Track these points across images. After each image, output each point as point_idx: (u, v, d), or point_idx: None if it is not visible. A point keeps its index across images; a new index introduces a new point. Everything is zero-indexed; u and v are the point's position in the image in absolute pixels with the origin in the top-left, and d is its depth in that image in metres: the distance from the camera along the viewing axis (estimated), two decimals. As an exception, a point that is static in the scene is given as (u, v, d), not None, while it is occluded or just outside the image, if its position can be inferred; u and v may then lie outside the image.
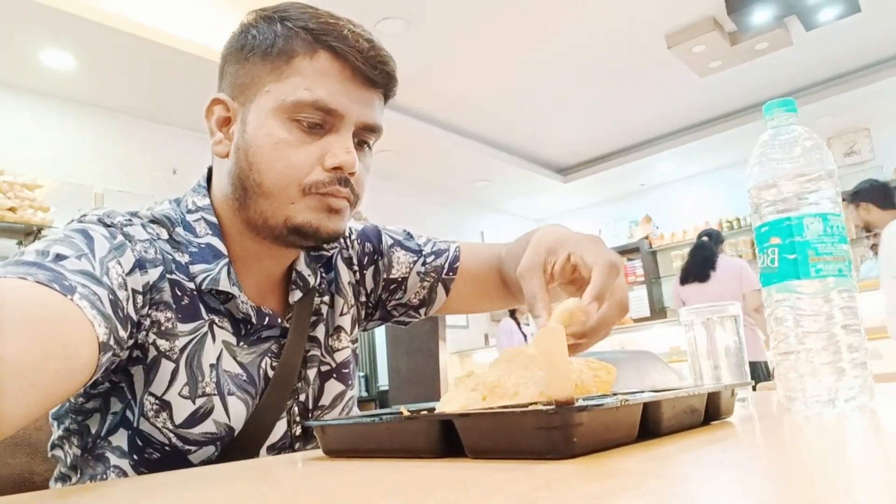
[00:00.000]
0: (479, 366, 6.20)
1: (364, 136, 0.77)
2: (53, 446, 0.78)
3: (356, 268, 0.94)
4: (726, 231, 6.60)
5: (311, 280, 0.85)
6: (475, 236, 7.22)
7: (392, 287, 0.96)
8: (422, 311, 0.98)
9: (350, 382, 0.90)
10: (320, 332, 0.87)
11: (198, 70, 3.88)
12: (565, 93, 5.06)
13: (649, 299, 7.00)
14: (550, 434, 0.39)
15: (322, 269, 0.89)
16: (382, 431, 0.51)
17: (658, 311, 6.93)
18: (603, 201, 7.69)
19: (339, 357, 0.88)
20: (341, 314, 0.90)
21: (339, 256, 0.93)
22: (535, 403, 0.48)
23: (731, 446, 0.44)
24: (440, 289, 0.96)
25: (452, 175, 6.31)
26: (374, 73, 0.74)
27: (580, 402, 0.43)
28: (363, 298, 0.95)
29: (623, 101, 5.34)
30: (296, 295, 0.83)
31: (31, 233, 3.26)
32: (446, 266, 0.95)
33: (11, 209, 3.14)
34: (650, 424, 0.47)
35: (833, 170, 0.61)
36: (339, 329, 0.89)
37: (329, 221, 0.74)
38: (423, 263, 0.96)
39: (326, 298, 0.89)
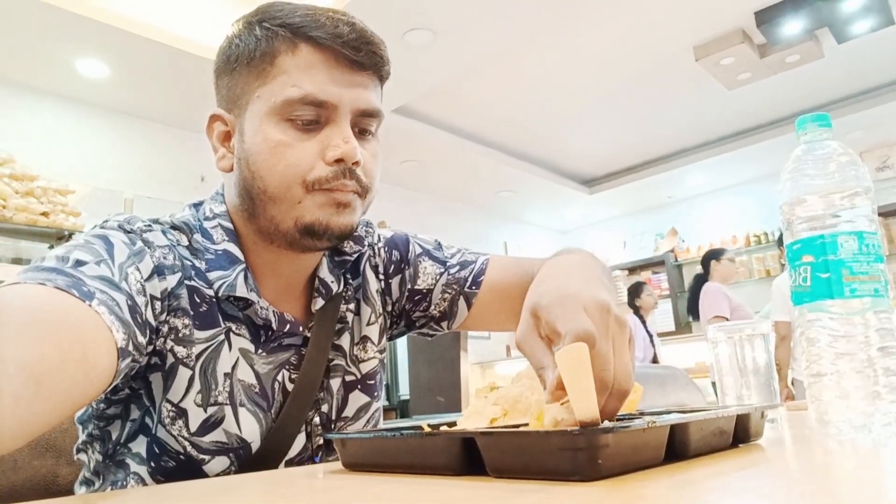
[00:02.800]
0: (501, 377, 6.16)
1: (363, 123, 0.75)
2: (78, 450, 0.79)
3: (382, 276, 0.92)
4: (753, 246, 6.50)
5: (335, 287, 0.83)
6: (498, 247, 7.20)
7: (417, 298, 0.93)
8: (444, 324, 0.95)
9: (376, 394, 0.88)
10: (345, 341, 0.85)
11: (227, 79, 3.94)
12: (592, 104, 5.03)
13: (674, 313, 6.90)
14: (575, 455, 0.38)
15: (349, 276, 0.88)
16: (403, 447, 0.51)
17: (683, 325, 6.82)
18: (628, 213, 7.62)
19: (365, 368, 0.87)
20: (368, 323, 0.88)
21: (367, 264, 0.91)
22: (559, 423, 0.47)
23: (763, 473, 0.42)
24: (461, 302, 0.93)
25: (477, 185, 6.30)
26: (360, 55, 0.72)
27: (606, 423, 0.41)
28: (389, 307, 0.93)
29: (650, 113, 5.30)
30: (318, 303, 0.81)
31: (62, 237, 3.31)
32: (470, 279, 0.92)
33: (44, 213, 3.20)
34: (677, 446, 0.45)
35: (869, 186, 0.59)
36: (365, 339, 0.88)
37: (339, 217, 0.72)
38: (448, 274, 0.93)
39: (352, 306, 0.87)
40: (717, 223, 6.92)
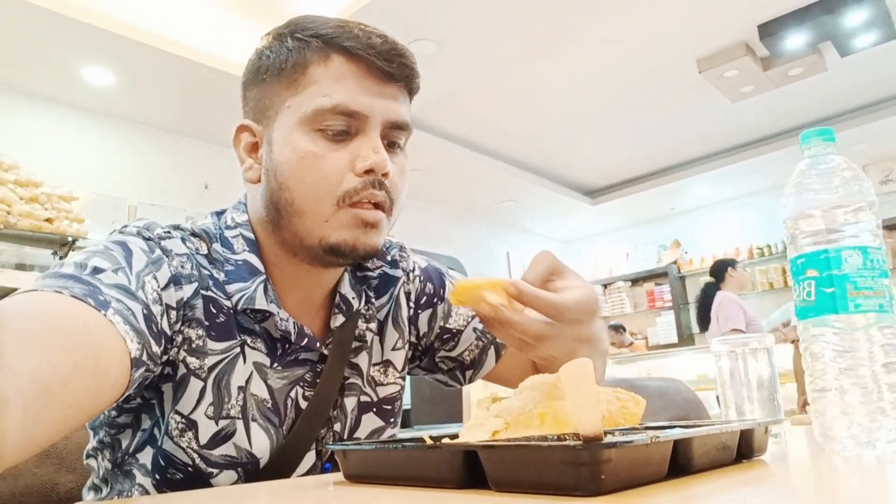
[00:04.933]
0: (503, 388, 6.12)
1: (392, 135, 0.74)
2: (88, 455, 0.78)
3: (412, 305, 0.90)
4: (757, 258, 6.49)
5: (356, 303, 0.81)
6: (501, 256, 7.20)
7: (446, 337, 0.90)
8: (468, 373, 0.91)
9: (392, 420, 0.85)
10: (363, 360, 0.83)
11: (232, 88, 3.95)
12: (595, 115, 5.05)
13: (677, 325, 6.88)
14: (578, 470, 0.38)
15: (371, 294, 0.86)
16: (404, 459, 0.50)
17: (686, 337, 6.81)
18: (631, 224, 7.62)
19: (383, 392, 0.84)
20: (394, 348, 0.86)
21: (401, 290, 0.89)
22: (563, 437, 0.46)
23: (767, 489, 0.42)
24: (491, 353, 0.89)
25: (480, 195, 6.31)
26: (392, 66, 0.72)
27: (609, 438, 0.41)
28: (413, 339, 0.91)
29: (653, 125, 5.31)
30: (338, 319, 0.79)
31: (66, 243, 3.32)
32: None
33: (48, 220, 3.21)
34: (680, 461, 0.45)
35: (874, 201, 0.59)
36: (388, 363, 0.86)
37: (366, 237, 0.71)
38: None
39: (373, 326, 0.85)
40: (721, 235, 6.92)
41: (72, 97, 4.01)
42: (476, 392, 4.09)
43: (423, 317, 0.90)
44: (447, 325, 0.90)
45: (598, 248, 7.92)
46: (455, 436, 0.58)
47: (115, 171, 4.24)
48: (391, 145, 0.75)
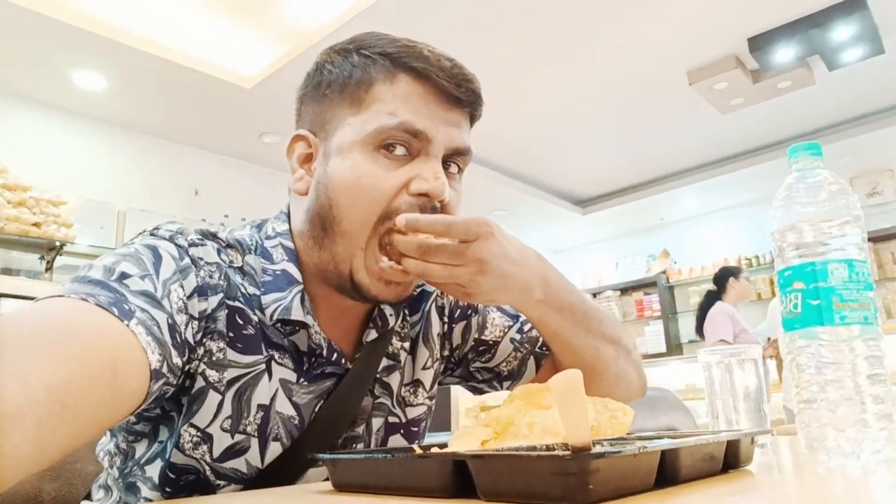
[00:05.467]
0: (490, 396, 6.12)
1: (454, 160, 0.73)
2: (104, 453, 0.76)
3: (446, 319, 0.88)
4: (745, 269, 6.53)
5: (392, 320, 0.79)
6: (491, 265, 7.20)
7: (481, 349, 0.88)
8: (507, 383, 0.89)
9: (417, 442, 0.84)
10: (394, 380, 0.81)
11: (224, 95, 3.96)
12: (585, 125, 5.08)
13: (666, 335, 6.91)
14: (566, 480, 0.38)
15: (407, 312, 0.84)
16: (394, 468, 0.50)
17: (674, 346, 6.83)
18: (621, 234, 7.66)
19: (412, 413, 0.83)
20: (424, 367, 0.84)
21: (433, 305, 0.87)
22: (552, 447, 0.47)
23: (753, 500, 0.43)
24: (531, 363, 0.87)
25: (470, 204, 6.22)
26: (460, 90, 0.70)
27: (597, 448, 0.42)
28: (446, 352, 0.89)
29: (643, 136, 5.35)
30: (371, 334, 0.77)
31: (53, 248, 3.30)
32: (541, 339, 0.86)
33: (36, 224, 3.18)
34: (668, 471, 0.46)
35: (859, 215, 0.60)
36: (417, 383, 0.84)
37: (387, 289, 0.70)
38: (519, 331, 0.87)
39: (407, 345, 0.83)
40: (709, 245, 6.96)
41: (62, 101, 3.99)
42: (464, 401, 4.08)
43: (457, 329, 0.89)
44: (483, 337, 0.88)
45: (587, 258, 7.95)
46: (444, 445, 0.58)
47: (105, 175, 4.22)
48: (450, 171, 0.73)
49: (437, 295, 0.88)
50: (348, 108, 0.70)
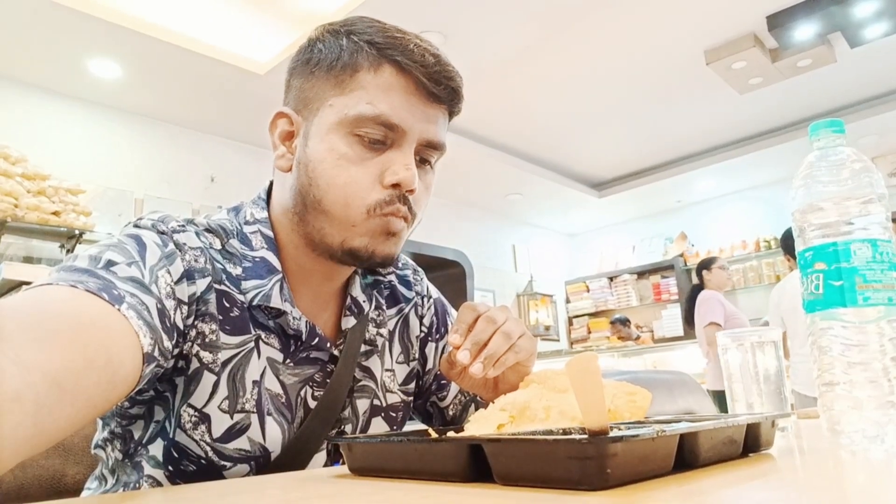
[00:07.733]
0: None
1: (426, 153, 0.76)
2: (97, 446, 0.78)
3: (425, 329, 0.92)
4: (763, 251, 6.46)
5: (366, 307, 0.83)
6: (507, 250, 7.19)
7: (442, 382, 0.92)
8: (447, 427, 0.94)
9: (395, 428, 0.87)
10: (375, 364, 0.84)
11: (238, 81, 3.96)
12: (602, 107, 5.02)
13: (683, 318, 6.86)
14: (584, 464, 0.38)
15: (383, 302, 0.88)
16: (410, 452, 0.50)
17: (692, 330, 6.79)
18: (638, 217, 7.60)
19: (391, 399, 0.86)
20: (398, 361, 0.88)
21: (412, 311, 0.91)
22: (569, 430, 0.46)
23: (773, 484, 0.42)
24: (472, 410, 0.91)
25: (486, 188, 6.30)
26: (439, 88, 0.73)
27: (615, 432, 0.41)
28: (419, 367, 0.92)
29: (660, 117, 5.28)
30: (350, 321, 0.81)
31: (73, 236, 3.34)
32: None
33: (55, 213, 3.22)
34: (686, 455, 0.45)
35: (883, 193, 0.58)
36: (392, 372, 0.87)
37: (385, 245, 0.73)
38: None
39: (383, 331, 0.87)
40: (727, 228, 6.89)
41: (79, 90, 4.02)
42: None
43: (430, 348, 0.92)
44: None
45: (604, 241, 7.90)
46: (460, 429, 0.58)
47: (122, 164, 4.25)
48: (423, 162, 0.77)
49: (418, 304, 0.92)
50: (332, 89, 0.72)
